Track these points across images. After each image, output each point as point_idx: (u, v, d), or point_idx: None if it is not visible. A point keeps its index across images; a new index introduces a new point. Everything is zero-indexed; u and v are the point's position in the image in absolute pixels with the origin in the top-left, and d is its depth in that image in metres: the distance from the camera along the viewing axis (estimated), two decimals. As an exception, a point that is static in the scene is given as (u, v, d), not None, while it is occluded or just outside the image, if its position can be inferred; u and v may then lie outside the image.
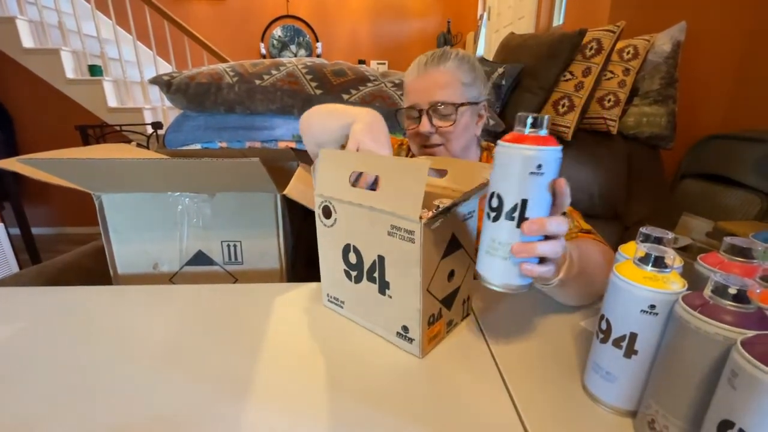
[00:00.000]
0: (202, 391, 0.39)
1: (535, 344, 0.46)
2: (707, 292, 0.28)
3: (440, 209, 0.38)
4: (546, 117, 0.34)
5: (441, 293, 0.43)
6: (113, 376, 0.41)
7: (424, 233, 0.38)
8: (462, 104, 0.65)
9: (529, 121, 0.34)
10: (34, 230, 2.28)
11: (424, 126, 0.65)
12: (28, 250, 2.21)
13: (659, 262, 0.32)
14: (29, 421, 0.35)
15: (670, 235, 0.37)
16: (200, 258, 0.69)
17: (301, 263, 0.84)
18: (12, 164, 0.59)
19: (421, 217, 0.37)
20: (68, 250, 0.87)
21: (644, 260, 0.33)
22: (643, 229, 0.38)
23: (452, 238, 0.43)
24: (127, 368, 0.42)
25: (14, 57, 2.44)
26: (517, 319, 0.51)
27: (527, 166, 0.33)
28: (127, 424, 0.35)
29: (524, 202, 0.34)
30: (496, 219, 0.36)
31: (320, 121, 0.66)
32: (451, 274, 0.44)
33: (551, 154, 0.33)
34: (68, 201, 2.89)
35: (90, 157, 0.53)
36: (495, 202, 0.36)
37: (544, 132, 0.34)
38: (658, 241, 0.37)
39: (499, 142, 0.35)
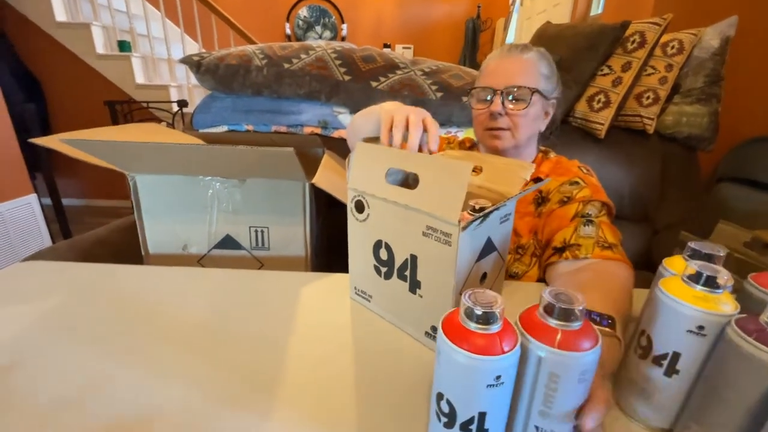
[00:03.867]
0: (228, 377, 0.40)
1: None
2: (765, 317, 0.27)
3: (482, 213, 0.37)
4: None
5: None
6: (143, 357, 0.42)
7: (462, 237, 0.37)
8: (537, 91, 0.66)
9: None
10: (64, 201, 2.36)
11: (496, 106, 0.66)
12: (58, 220, 2.29)
13: (711, 282, 0.31)
14: (58, 397, 0.37)
15: (722, 252, 0.35)
16: (228, 242, 0.70)
17: (324, 251, 0.84)
18: (53, 142, 0.60)
19: (459, 221, 0.36)
20: (96, 222, 0.89)
21: (694, 278, 0.31)
22: (691, 244, 0.36)
23: (488, 241, 0.42)
24: (156, 350, 0.43)
25: (48, 31, 2.49)
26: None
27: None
28: (151, 405, 0.36)
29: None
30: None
31: (361, 119, 0.67)
32: (483, 277, 0.44)
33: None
34: (97, 174, 2.97)
35: (127, 140, 0.54)
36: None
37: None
38: (708, 257, 0.35)
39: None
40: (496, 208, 0.38)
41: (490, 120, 0.68)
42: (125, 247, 0.84)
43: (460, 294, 0.40)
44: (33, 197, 1.94)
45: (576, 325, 0.26)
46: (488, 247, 0.42)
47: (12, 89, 2.38)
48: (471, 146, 0.82)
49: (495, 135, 0.69)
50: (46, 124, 2.85)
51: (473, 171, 0.53)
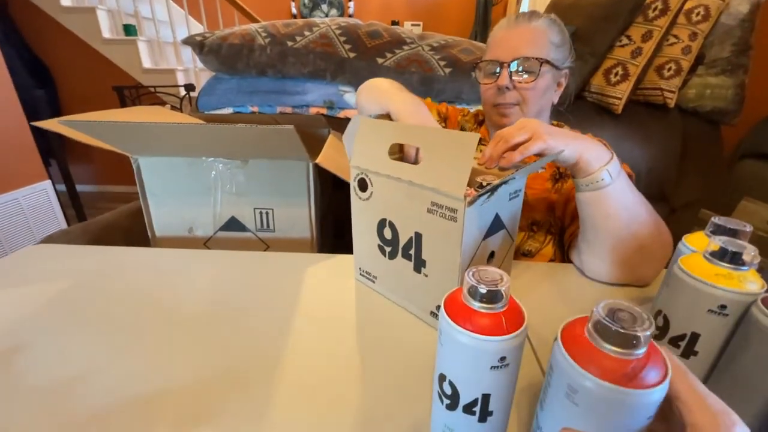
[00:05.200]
0: (233, 358, 0.39)
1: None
2: (795, 296, 0.25)
3: (488, 187, 0.35)
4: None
5: None
6: (149, 339, 0.42)
7: (468, 212, 0.35)
8: (547, 61, 0.62)
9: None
10: (77, 187, 2.40)
11: (503, 79, 0.63)
12: (73, 206, 2.33)
13: (736, 258, 0.29)
14: (65, 378, 0.37)
15: (748, 228, 0.33)
16: (233, 224, 0.70)
17: (330, 233, 0.83)
18: (53, 125, 0.60)
19: (465, 196, 0.35)
20: (109, 208, 0.90)
21: (718, 255, 0.29)
22: (714, 219, 0.34)
23: (495, 218, 0.40)
24: (162, 331, 0.43)
25: (54, 16, 2.47)
26: (555, 304, 0.49)
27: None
28: (157, 387, 0.36)
29: None
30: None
31: (365, 97, 0.64)
32: (491, 256, 0.42)
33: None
34: (109, 161, 3.01)
35: (127, 120, 0.53)
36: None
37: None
38: (733, 233, 0.33)
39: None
40: (504, 182, 0.36)
41: (497, 95, 0.65)
42: (134, 231, 0.84)
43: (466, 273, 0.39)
44: (48, 184, 1.98)
45: (638, 353, 0.20)
46: (496, 225, 0.40)
47: (21, 76, 2.40)
48: (483, 120, 0.79)
49: (503, 113, 0.66)
50: (57, 111, 2.88)
51: (482, 145, 0.51)
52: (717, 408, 0.19)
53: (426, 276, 0.42)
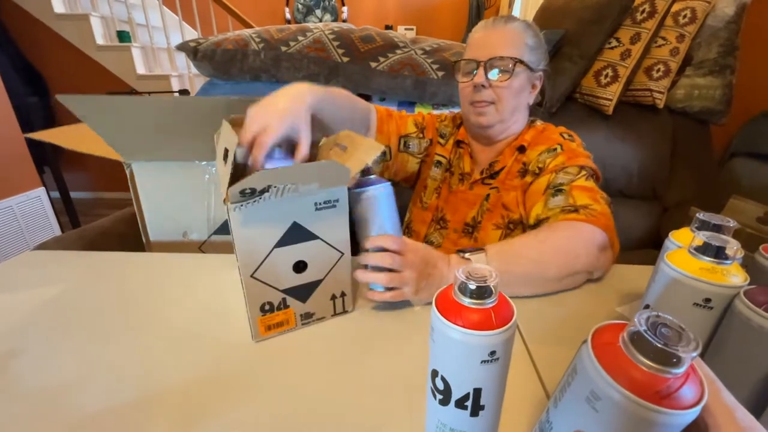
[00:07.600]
0: (228, 361, 0.40)
1: (567, 329, 0.45)
2: (776, 288, 0.26)
3: (247, 192, 0.36)
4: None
5: (282, 283, 0.41)
6: (144, 343, 0.42)
7: (234, 216, 0.36)
8: (520, 61, 0.64)
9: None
10: (73, 194, 2.39)
11: (479, 77, 0.64)
12: (67, 213, 2.32)
13: (719, 253, 0.29)
14: (61, 382, 0.37)
15: (732, 223, 0.33)
16: (227, 227, 0.69)
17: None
18: (46, 136, 0.60)
19: (224, 200, 0.36)
20: (105, 214, 0.90)
21: (702, 250, 0.30)
22: (699, 215, 0.35)
23: (295, 226, 0.40)
24: (156, 335, 0.43)
25: (47, 23, 2.47)
26: (550, 304, 0.50)
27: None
28: (151, 390, 0.36)
29: None
30: None
31: None
32: (302, 266, 0.42)
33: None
34: (103, 167, 3.00)
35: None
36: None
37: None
38: (717, 228, 0.34)
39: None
40: (266, 189, 0.37)
41: (474, 93, 0.66)
42: (129, 236, 0.84)
43: (255, 278, 0.40)
44: (41, 191, 1.97)
45: (676, 372, 0.19)
46: (300, 234, 0.40)
47: (14, 83, 2.39)
48: (462, 122, 0.79)
49: (479, 111, 0.67)
50: (51, 118, 2.86)
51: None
52: (745, 423, 0.19)
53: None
